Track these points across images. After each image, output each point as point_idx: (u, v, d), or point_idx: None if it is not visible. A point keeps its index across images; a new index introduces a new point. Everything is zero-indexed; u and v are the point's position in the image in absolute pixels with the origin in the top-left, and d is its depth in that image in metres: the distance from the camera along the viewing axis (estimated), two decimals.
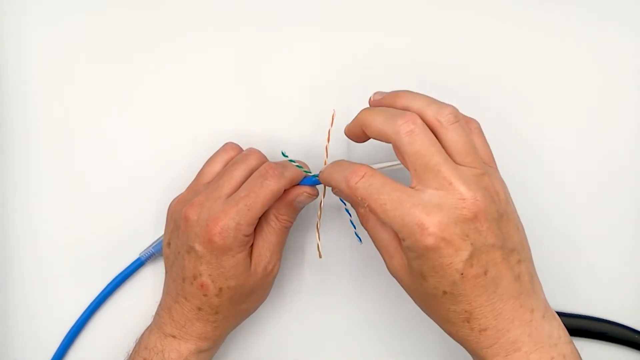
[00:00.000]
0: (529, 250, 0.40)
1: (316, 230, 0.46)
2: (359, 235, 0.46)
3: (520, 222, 0.40)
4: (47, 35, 0.51)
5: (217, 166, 0.47)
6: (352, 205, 0.44)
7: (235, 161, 0.46)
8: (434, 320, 0.41)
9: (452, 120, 0.39)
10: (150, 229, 0.51)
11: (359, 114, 0.42)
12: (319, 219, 0.46)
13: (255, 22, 0.51)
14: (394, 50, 0.51)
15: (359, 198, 0.39)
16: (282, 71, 0.51)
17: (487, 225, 0.37)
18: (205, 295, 0.43)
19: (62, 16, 0.51)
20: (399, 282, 0.41)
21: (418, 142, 0.38)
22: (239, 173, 0.44)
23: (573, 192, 0.50)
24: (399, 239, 0.39)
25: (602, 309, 0.50)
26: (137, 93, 0.51)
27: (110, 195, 0.51)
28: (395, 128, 0.38)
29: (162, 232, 0.48)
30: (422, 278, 0.38)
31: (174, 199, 0.47)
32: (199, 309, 0.43)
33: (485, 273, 0.37)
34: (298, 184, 0.45)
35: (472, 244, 0.37)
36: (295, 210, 0.46)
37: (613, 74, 0.50)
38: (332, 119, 0.46)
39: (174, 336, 0.44)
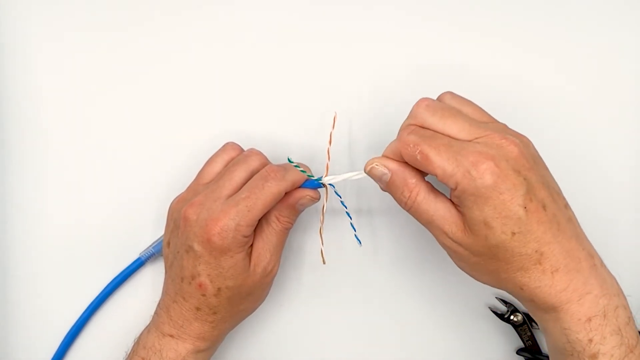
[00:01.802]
0: (562, 195, 0.41)
1: (319, 235, 0.46)
2: (359, 238, 0.46)
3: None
4: (48, 38, 0.51)
5: (217, 166, 0.47)
6: (394, 192, 0.42)
7: (235, 162, 0.46)
8: (503, 282, 0.40)
9: (450, 97, 0.42)
10: (151, 229, 0.51)
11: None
12: (322, 224, 0.46)
13: (258, 24, 0.51)
14: (397, 56, 0.51)
15: (411, 145, 0.39)
16: (284, 72, 0.51)
17: (530, 164, 0.38)
18: (203, 295, 0.43)
19: (62, 18, 0.51)
20: (458, 249, 0.40)
21: (438, 111, 0.40)
22: (239, 174, 0.44)
23: (572, 192, 0.50)
24: (453, 204, 0.39)
25: None
26: (138, 93, 0.51)
27: (110, 196, 0.51)
28: (415, 111, 0.41)
29: (162, 232, 0.48)
30: (487, 227, 0.37)
31: (175, 199, 0.47)
32: (197, 308, 0.43)
33: (545, 208, 0.38)
34: (300, 187, 0.45)
35: (525, 179, 0.38)
36: (297, 212, 0.46)
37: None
38: (334, 122, 0.46)
39: (172, 336, 0.44)
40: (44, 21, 0.51)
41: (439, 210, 0.40)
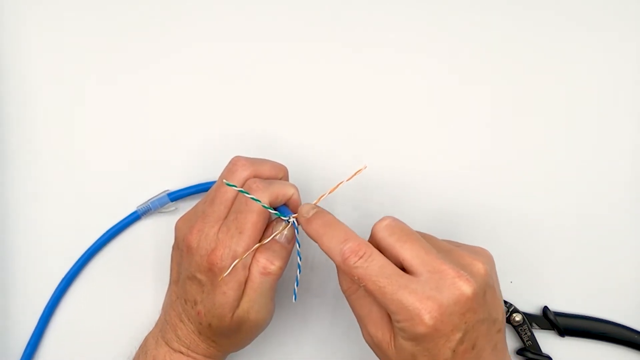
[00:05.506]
0: (504, 314, 0.41)
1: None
2: (296, 293, 0.44)
3: (498, 284, 0.41)
4: (47, 37, 0.50)
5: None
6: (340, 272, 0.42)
7: (223, 178, 0.43)
8: None
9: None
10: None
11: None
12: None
13: (263, 36, 0.51)
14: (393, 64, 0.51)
15: (356, 277, 0.38)
16: (277, 75, 0.51)
17: (479, 303, 0.37)
18: (200, 323, 0.43)
19: (62, 19, 0.50)
20: (378, 352, 0.40)
21: (397, 232, 0.39)
22: (231, 192, 0.43)
23: (573, 193, 0.51)
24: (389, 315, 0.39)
25: (602, 309, 0.50)
26: (138, 89, 0.51)
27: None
28: (376, 228, 0.40)
29: (162, 189, 0.49)
30: (412, 357, 0.38)
31: (181, 217, 0.46)
32: (199, 332, 0.44)
33: (473, 347, 0.38)
34: (280, 212, 0.43)
35: (465, 322, 0.37)
36: (280, 247, 0.43)
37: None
38: (355, 174, 0.43)
39: (182, 352, 0.44)
40: (42, 21, 0.50)
41: (372, 312, 0.40)
